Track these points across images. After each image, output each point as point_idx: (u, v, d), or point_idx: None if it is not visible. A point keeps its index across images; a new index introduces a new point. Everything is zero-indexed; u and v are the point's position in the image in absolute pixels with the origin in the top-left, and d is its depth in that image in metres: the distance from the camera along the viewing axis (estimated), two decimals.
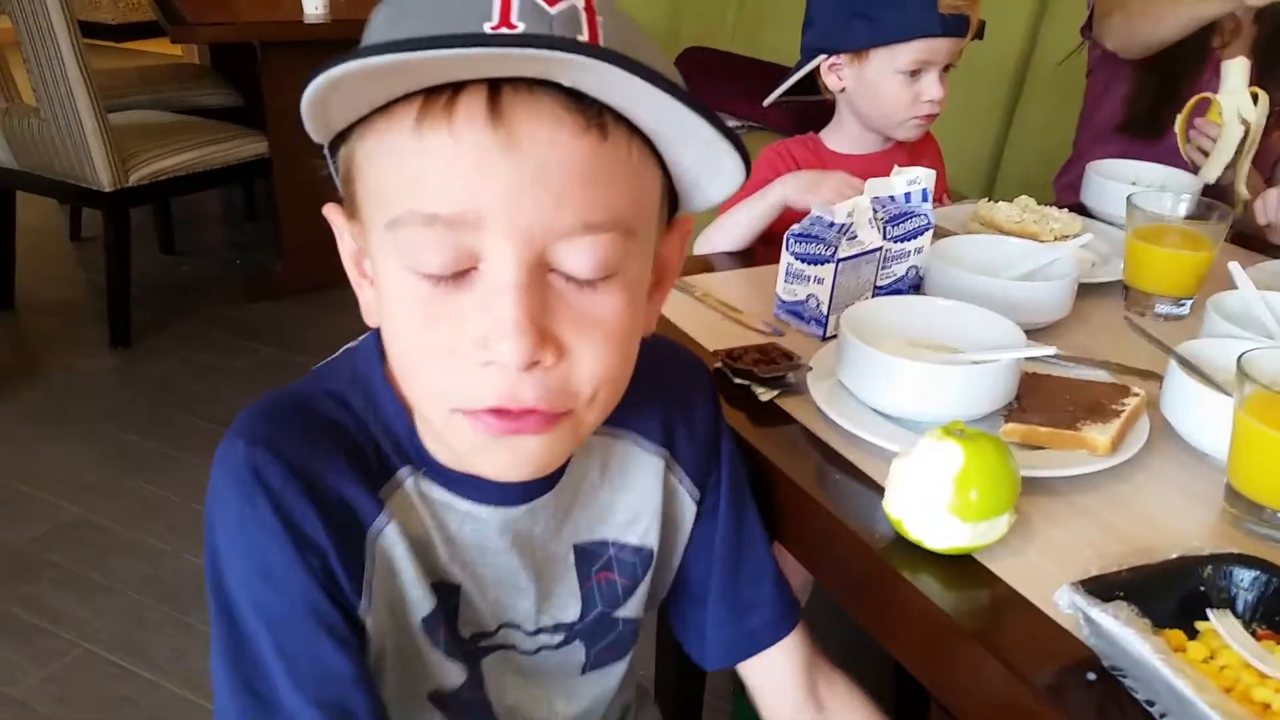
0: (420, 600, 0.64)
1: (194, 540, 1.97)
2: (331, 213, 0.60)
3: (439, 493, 0.64)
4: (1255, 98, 1.41)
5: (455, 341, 0.52)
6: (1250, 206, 1.42)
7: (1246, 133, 1.41)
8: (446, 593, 0.66)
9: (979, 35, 1.31)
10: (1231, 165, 1.44)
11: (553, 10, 0.48)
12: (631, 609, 0.74)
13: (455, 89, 0.49)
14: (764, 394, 0.90)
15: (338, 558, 0.59)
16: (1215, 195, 1.47)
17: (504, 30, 0.48)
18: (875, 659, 1.63)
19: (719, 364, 0.93)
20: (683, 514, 0.75)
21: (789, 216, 1.17)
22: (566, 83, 0.48)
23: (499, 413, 0.53)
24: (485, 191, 0.49)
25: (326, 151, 0.57)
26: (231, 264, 3.36)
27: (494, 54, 0.46)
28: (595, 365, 0.54)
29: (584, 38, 0.49)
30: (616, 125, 0.51)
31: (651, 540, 0.73)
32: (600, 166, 0.50)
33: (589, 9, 0.50)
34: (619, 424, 0.70)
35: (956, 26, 1.26)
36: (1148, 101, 1.67)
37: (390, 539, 0.62)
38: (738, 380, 0.91)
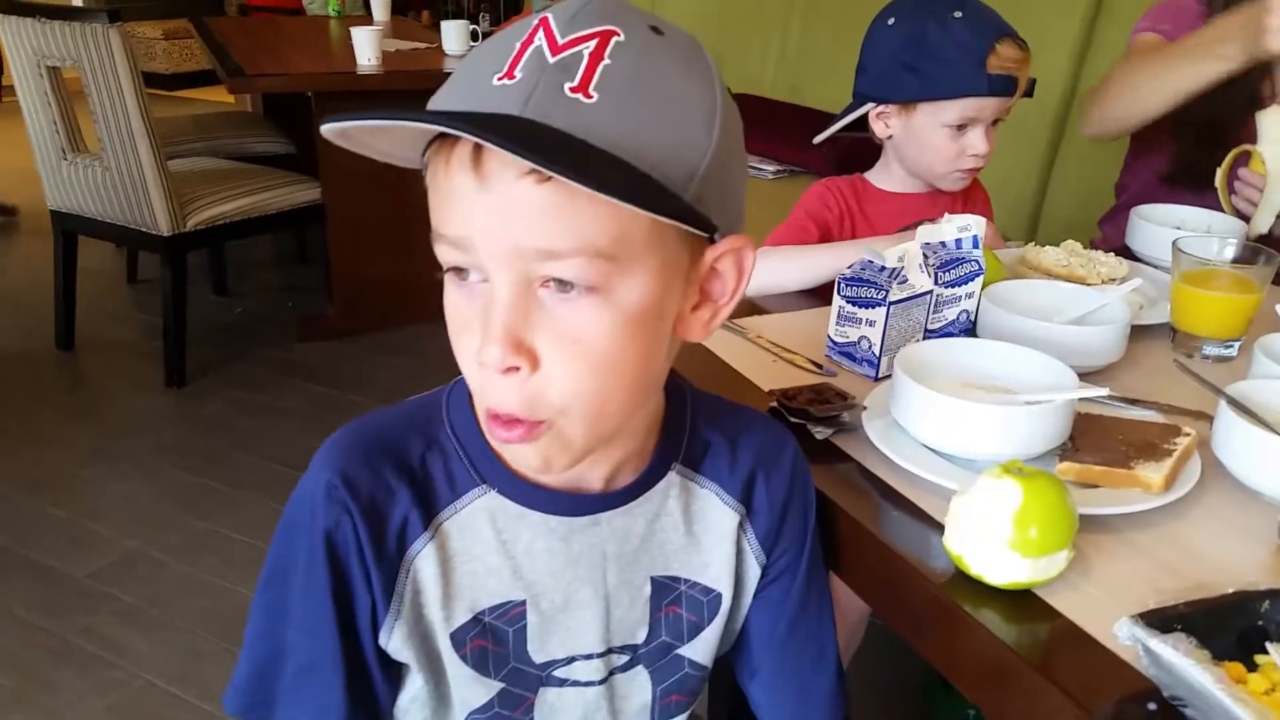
0: (449, 616, 0.69)
1: (249, 574, 2.02)
2: None
3: (511, 507, 0.69)
4: None
5: (471, 345, 0.59)
6: None
7: None
8: (509, 612, 0.70)
9: (1029, 93, 1.32)
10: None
11: (553, 59, 0.55)
12: (699, 652, 0.77)
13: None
14: (819, 433, 0.93)
15: (376, 571, 0.67)
16: (1270, 246, 1.47)
17: (505, 81, 0.55)
18: (921, 710, 1.64)
19: (774, 403, 0.96)
20: (748, 572, 0.78)
21: None
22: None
23: (495, 419, 0.61)
24: (470, 222, 0.57)
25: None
26: (284, 306, 3.44)
27: (424, 129, 0.55)
28: (565, 378, 0.59)
29: (573, 84, 0.55)
30: None
31: (723, 586, 0.77)
32: (558, 201, 0.54)
33: (595, 54, 0.55)
34: (704, 474, 0.75)
35: (1004, 87, 1.28)
36: (1188, 156, 1.65)
37: (426, 558, 0.68)
38: (793, 419, 0.94)
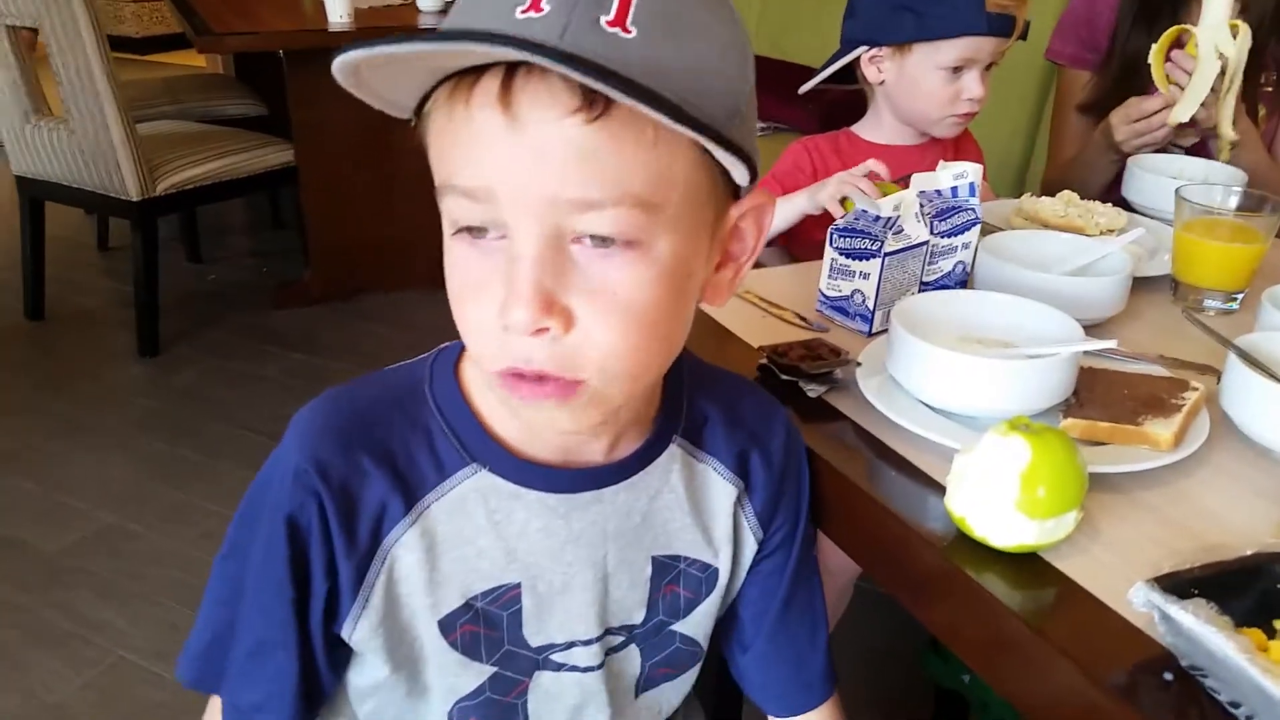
0: (436, 603, 0.65)
1: None
2: None
3: (504, 486, 0.64)
4: (1235, 31, 1.32)
5: (487, 307, 0.54)
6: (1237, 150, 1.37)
7: (1224, 69, 1.32)
8: (503, 597, 0.66)
9: (1023, 36, 1.29)
10: (1206, 104, 1.35)
11: None
12: (692, 627, 0.74)
13: (481, 71, 0.51)
14: (812, 390, 0.89)
15: (344, 561, 0.63)
16: (1189, 137, 1.43)
17: (531, 14, 0.50)
18: (911, 675, 1.62)
19: (764, 360, 0.92)
20: (745, 547, 0.75)
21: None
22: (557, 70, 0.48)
23: (518, 376, 0.55)
24: (495, 168, 0.51)
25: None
26: (258, 272, 3.36)
27: (461, 49, 0.48)
28: (603, 336, 0.54)
29: (609, 18, 0.50)
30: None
31: (721, 562, 0.73)
32: (602, 144, 0.50)
33: None
34: (703, 447, 0.71)
35: (1002, 26, 1.25)
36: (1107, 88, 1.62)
37: (406, 546, 0.64)
38: (784, 377, 0.90)
